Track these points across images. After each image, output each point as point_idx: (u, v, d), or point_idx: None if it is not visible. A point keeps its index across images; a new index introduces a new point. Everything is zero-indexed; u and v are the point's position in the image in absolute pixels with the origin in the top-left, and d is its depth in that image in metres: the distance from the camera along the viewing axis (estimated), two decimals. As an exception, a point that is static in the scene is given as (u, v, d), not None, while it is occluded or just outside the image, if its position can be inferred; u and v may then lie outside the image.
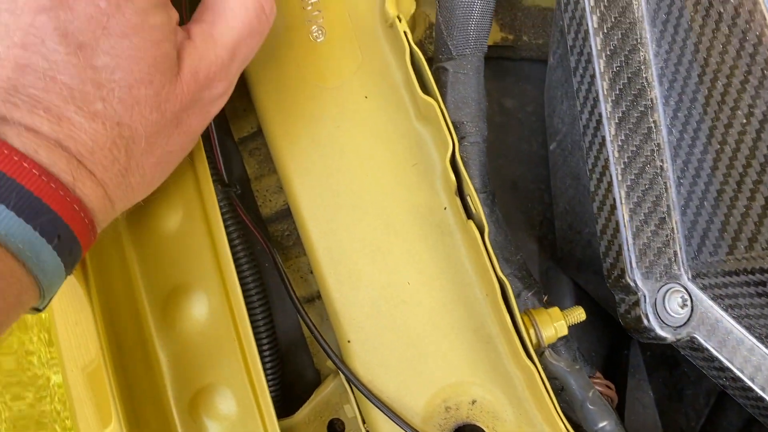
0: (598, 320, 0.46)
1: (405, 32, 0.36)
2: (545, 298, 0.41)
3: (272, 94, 0.40)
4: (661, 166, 0.35)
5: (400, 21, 0.37)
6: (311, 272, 0.43)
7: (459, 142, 0.38)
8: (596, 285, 0.44)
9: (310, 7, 0.41)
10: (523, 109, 0.48)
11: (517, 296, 0.40)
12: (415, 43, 0.37)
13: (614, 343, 0.49)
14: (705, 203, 0.33)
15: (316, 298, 0.45)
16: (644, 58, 0.35)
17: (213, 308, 0.36)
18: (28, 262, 0.25)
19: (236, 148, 0.47)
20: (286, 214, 0.45)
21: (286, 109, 0.39)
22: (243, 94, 0.42)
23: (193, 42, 0.30)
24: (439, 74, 0.40)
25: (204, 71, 0.30)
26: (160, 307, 0.37)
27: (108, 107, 0.27)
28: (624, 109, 0.35)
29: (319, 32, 0.40)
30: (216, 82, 0.31)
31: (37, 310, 0.28)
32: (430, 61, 0.39)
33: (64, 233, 0.25)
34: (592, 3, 0.36)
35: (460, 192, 0.36)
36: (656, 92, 0.35)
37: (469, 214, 0.36)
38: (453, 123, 0.36)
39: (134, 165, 0.29)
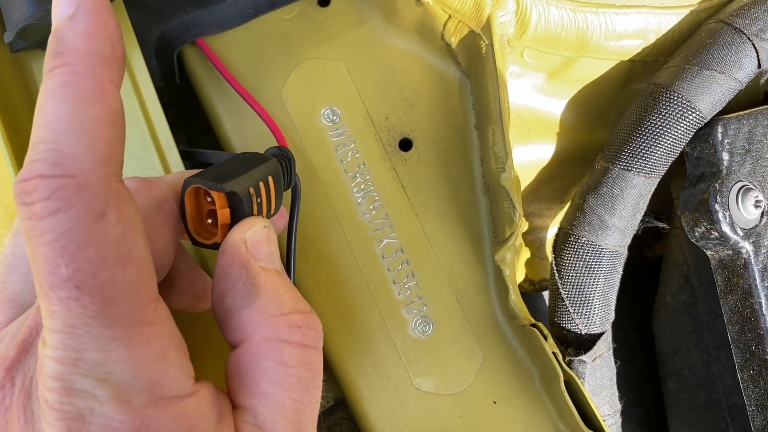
0: None
1: (554, 353, 0.31)
2: None
3: (380, 408, 0.34)
4: None
5: (541, 332, 0.31)
6: None
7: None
8: None
9: (408, 292, 0.35)
10: (621, 325, 0.44)
11: None
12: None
13: None
14: None
15: None
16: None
17: None
18: None
19: None
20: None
21: (400, 423, 0.33)
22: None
23: None
24: (573, 366, 0.34)
25: None
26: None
27: None
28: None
29: (426, 325, 0.34)
30: None
31: None
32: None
33: None
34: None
35: None
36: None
37: None
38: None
39: None
